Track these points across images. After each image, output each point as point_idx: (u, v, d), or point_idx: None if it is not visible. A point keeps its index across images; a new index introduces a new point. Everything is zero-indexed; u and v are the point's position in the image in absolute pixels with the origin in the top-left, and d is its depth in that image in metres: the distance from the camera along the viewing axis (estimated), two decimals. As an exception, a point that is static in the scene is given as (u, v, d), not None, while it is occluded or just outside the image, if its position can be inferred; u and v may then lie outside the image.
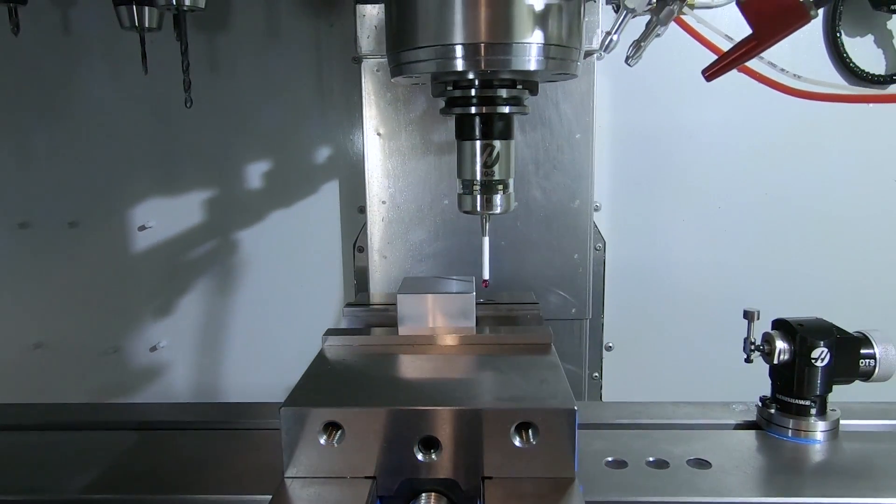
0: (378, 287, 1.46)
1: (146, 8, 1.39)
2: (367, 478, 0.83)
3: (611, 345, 1.78)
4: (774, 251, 1.75)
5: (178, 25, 1.46)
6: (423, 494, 0.85)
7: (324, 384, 0.94)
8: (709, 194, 1.73)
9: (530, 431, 0.82)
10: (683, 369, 1.79)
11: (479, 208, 1.04)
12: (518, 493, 0.80)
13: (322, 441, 0.83)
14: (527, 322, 1.19)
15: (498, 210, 1.04)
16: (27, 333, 1.80)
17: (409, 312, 1.07)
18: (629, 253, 1.75)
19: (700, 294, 1.77)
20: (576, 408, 0.82)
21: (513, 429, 0.82)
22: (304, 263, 1.78)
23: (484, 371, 0.98)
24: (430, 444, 0.83)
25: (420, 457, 0.83)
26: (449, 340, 1.06)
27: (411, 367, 1.01)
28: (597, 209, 1.69)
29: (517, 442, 0.82)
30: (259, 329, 1.81)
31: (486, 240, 1.10)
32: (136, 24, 1.40)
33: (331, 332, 1.08)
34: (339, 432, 0.83)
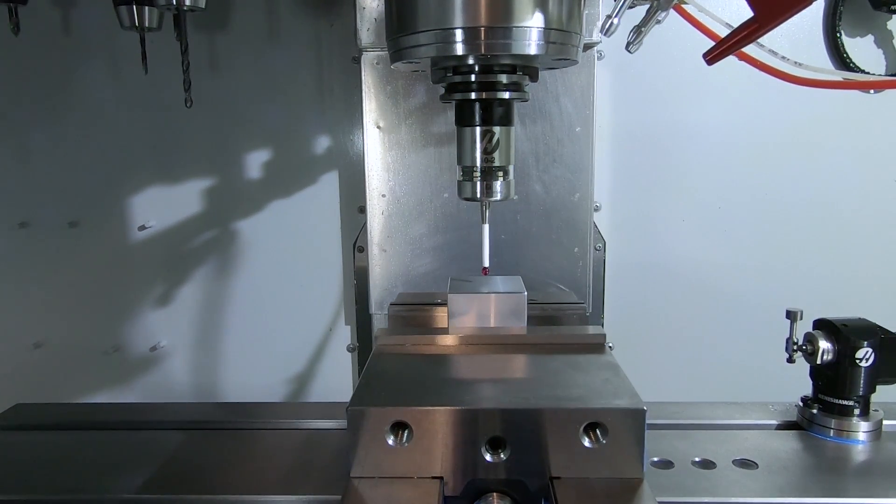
0: (378, 282, 1.45)
1: (146, 8, 1.40)
2: (433, 478, 0.84)
3: (611, 345, 1.77)
4: (775, 251, 1.75)
5: (178, 25, 1.47)
6: (488, 495, 0.85)
7: (386, 384, 0.94)
8: (709, 194, 1.73)
9: (598, 431, 0.83)
10: (684, 369, 1.78)
11: (478, 195, 1.04)
12: (590, 492, 0.81)
13: (390, 441, 0.84)
14: (572, 321, 1.20)
15: (498, 196, 1.04)
16: (27, 333, 1.80)
17: (461, 312, 1.07)
18: (629, 253, 1.75)
19: (701, 294, 1.77)
20: (645, 408, 0.84)
21: (581, 429, 0.83)
22: (305, 264, 1.78)
23: (544, 370, 0.98)
24: (498, 444, 0.84)
25: (488, 457, 0.83)
26: (501, 340, 1.06)
27: (469, 366, 1.01)
28: (597, 209, 1.69)
29: (586, 442, 0.83)
30: (259, 330, 1.81)
31: (486, 227, 1.10)
32: (137, 24, 1.41)
33: (382, 332, 1.09)
34: (407, 432, 0.83)
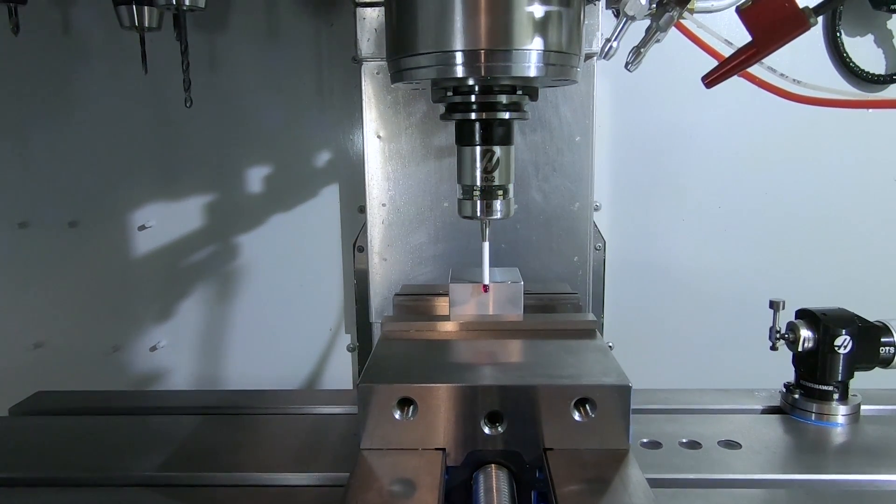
0: (378, 290, 1.46)
1: (146, 8, 1.40)
2: (436, 449, 0.89)
3: (611, 344, 1.78)
4: (774, 251, 1.76)
5: (178, 25, 1.47)
6: (487, 466, 0.90)
7: (393, 364, 0.99)
8: (708, 195, 1.74)
9: (588, 406, 0.88)
10: (683, 368, 1.80)
11: (479, 214, 1.05)
12: (580, 462, 0.87)
13: (397, 415, 0.89)
14: (567, 310, 1.24)
15: (498, 215, 1.05)
16: (27, 333, 1.81)
17: (461, 300, 1.12)
18: (629, 252, 1.76)
19: (700, 293, 1.78)
20: (631, 385, 0.88)
21: (572, 404, 0.88)
22: (304, 263, 1.78)
23: (538, 353, 1.03)
24: (496, 418, 0.89)
25: (487, 430, 0.89)
26: (500, 326, 1.12)
27: (470, 349, 1.07)
28: (597, 209, 1.69)
29: (576, 416, 0.88)
30: (259, 328, 1.82)
31: (486, 245, 1.11)
32: (136, 23, 1.41)
33: (388, 319, 1.14)
34: (412, 407, 0.89)
